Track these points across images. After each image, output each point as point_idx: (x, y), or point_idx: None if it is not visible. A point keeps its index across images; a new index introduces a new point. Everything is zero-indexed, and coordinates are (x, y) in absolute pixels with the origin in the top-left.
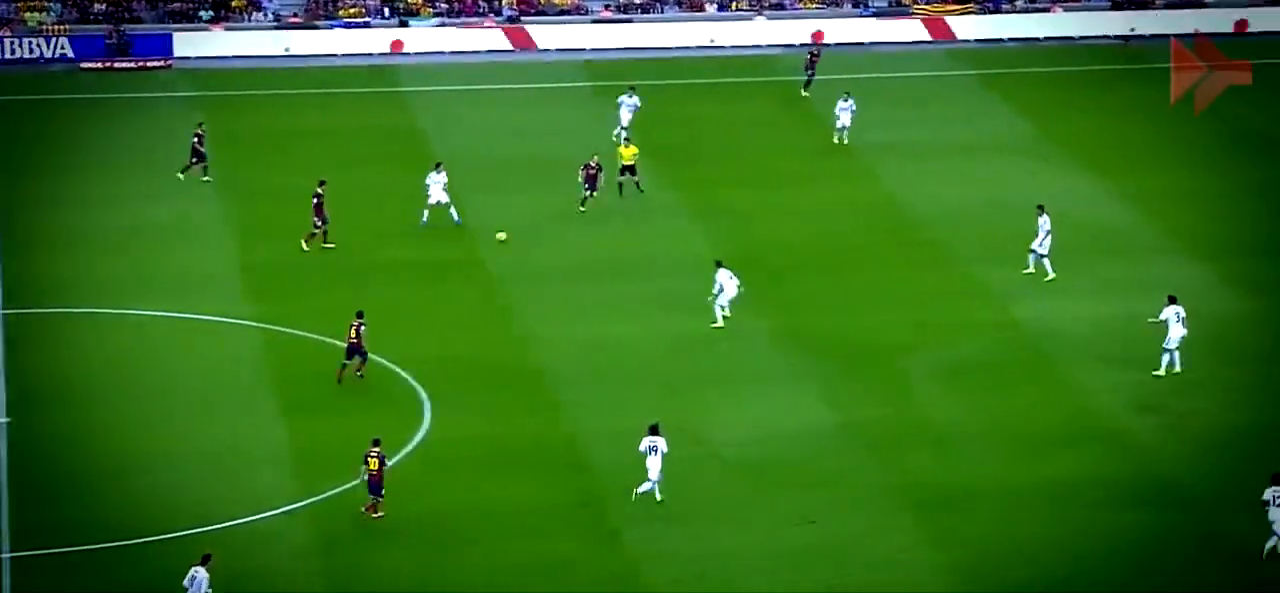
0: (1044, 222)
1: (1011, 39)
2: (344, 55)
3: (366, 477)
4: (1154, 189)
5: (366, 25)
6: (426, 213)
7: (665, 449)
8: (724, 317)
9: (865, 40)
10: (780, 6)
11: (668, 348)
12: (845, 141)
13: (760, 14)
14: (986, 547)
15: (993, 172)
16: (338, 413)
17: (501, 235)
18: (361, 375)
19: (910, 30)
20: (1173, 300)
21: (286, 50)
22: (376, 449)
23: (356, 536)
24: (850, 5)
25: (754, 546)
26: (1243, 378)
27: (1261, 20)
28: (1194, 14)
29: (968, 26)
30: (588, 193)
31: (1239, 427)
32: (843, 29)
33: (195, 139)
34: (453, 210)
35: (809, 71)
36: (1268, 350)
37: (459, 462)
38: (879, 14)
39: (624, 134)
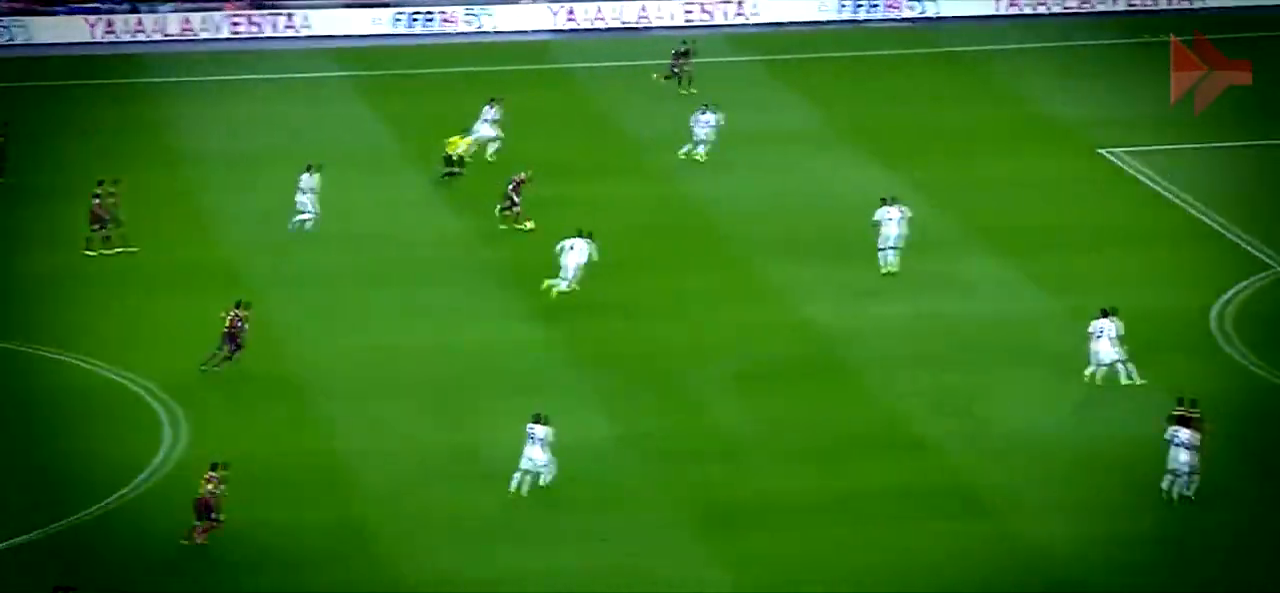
0: (888, 212)
1: (795, 22)
2: (72, 43)
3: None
4: (949, 180)
5: (96, 10)
6: (300, 217)
7: (547, 437)
8: (566, 285)
9: (648, 24)
10: None
11: (441, 359)
12: (698, 156)
13: None
14: (782, 564)
15: (783, 163)
16: (74, 436)
17: (530, 224)
18: (230, 363)
19: (686, 12)
20: (1106, 314)
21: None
22: (215, 473)
23: (97, 568)
24: None
25: (537, 568)
26: (1042, 380)
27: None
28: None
29: (753, 9)
30: (508, 206)
31: (1038, 430)
32: (624, 12)
33: None
34: (310, 219)
35: (676, 69)
36: (1066, 350)
37: None
38: None
39: (491, 146)
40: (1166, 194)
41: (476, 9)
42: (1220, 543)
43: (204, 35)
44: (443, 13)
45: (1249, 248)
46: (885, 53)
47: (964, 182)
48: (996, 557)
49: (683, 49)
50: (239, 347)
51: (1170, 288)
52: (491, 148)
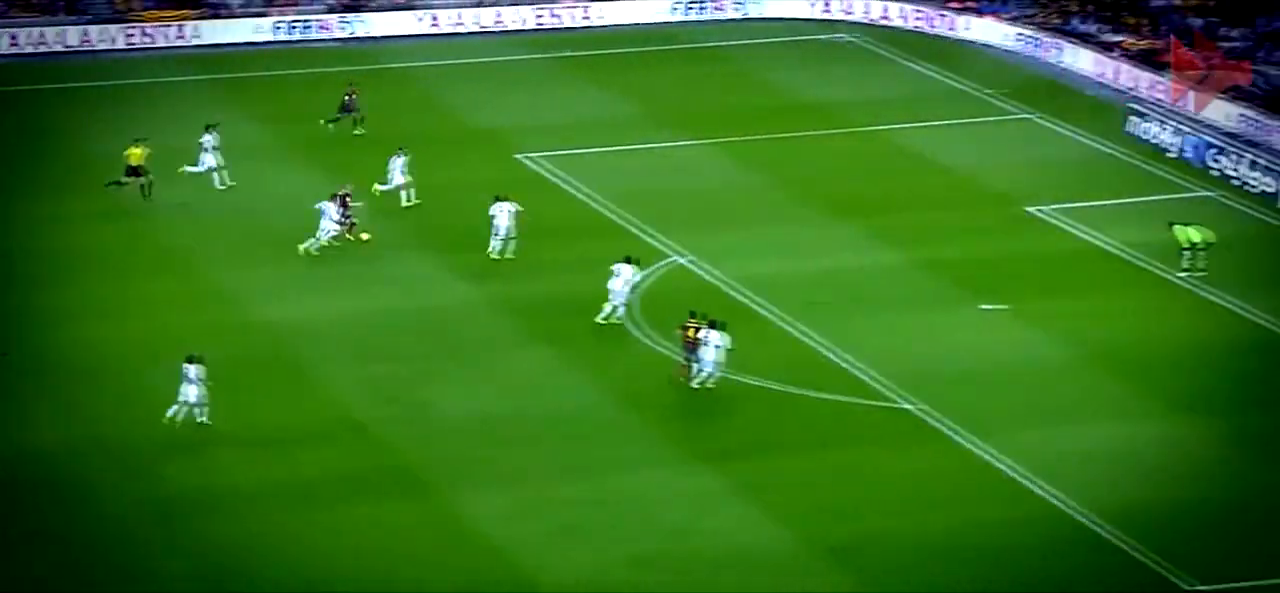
0: (501, 208)
1: (235, 43)
2: None
3: None
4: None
5: None
6: None
7: (200, 375)
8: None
9: (91, 48)
10: None
11: None
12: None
13: None
14: (238, 548)
15: (235, 175)
16: None
17: (366, 236)
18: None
19: (128, 36)
20: (628, 261)
21: None
22: None
23: None
24: (63, 11)
25: None
26: (474, 364)
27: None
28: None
29: (195, 32)
30: (347, 224)
31: (473, 411)
32: (66, 36)
33: None
34: None
35: (347, 109)
36: (494, 335)
37: None
38: (97, 19)
39: (216, 174)
40: (579, 194)
41: None
42: (642, 495)
43: None
44: None
45: (650, 240)
46: (323, 70)
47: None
48: (436, 532)
49: (350, 91)
50: None
51: (587, 277)
52: (216, 176)
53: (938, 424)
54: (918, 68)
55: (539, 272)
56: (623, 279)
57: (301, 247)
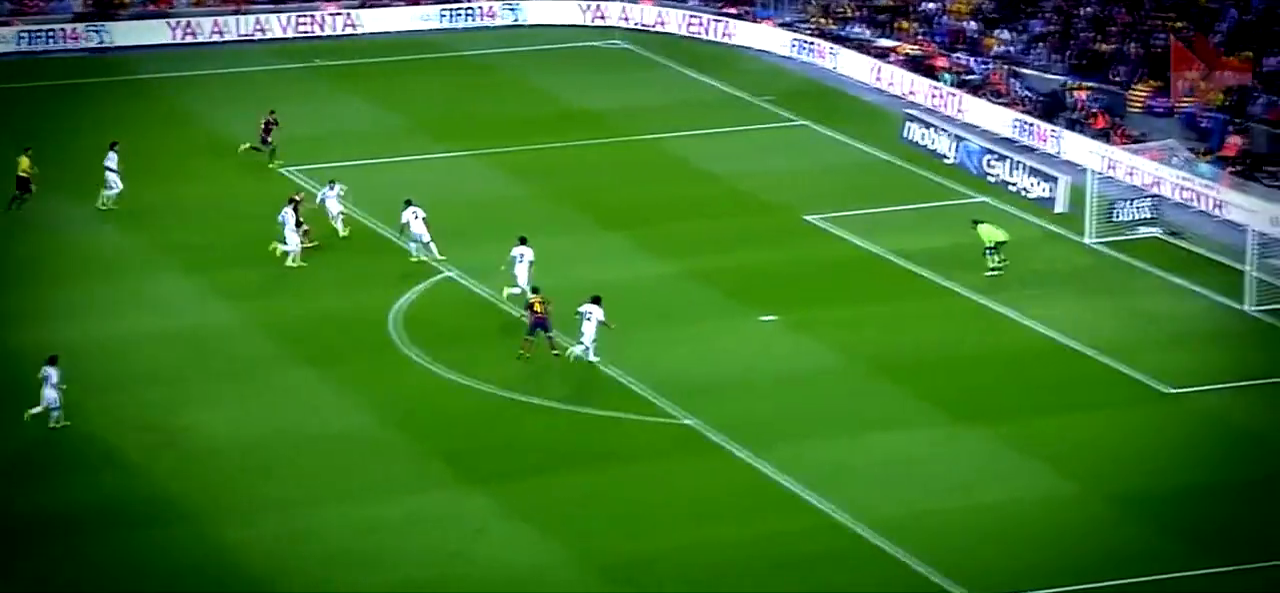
0: (413, 212)
1: None
2: None
3: None
4: (148, 202)
5: None
6: None
7: (57, 379)
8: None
9: None
10: None
11: None
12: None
13: None
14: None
15: None
16: None
17: (314, 241)
18: None
19: None
20: (523, 241)
21: None
22: None
23: None
24: None
25: None
26: (237, 387)
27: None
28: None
29: None
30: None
31: (237, 437)
32: None
33: None
34: None
35: (267, 141)
36: (255, 354)
37: None
38: None
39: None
40: (344, 208)
41: None
42: (416, 519)
43: None
44: None
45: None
46: (68, 82)
47: (157, 203)
48: (200, 562)
49: (270, 119)
50: None
51: (352, 294)
52: (113, 194)
53: (714, 438)
54: (692, 74)
55: (303, 289)
56: (526, 264)
57: (290, 261)
